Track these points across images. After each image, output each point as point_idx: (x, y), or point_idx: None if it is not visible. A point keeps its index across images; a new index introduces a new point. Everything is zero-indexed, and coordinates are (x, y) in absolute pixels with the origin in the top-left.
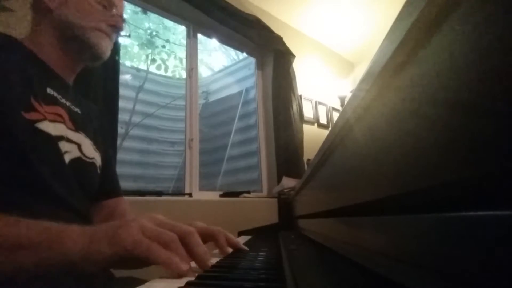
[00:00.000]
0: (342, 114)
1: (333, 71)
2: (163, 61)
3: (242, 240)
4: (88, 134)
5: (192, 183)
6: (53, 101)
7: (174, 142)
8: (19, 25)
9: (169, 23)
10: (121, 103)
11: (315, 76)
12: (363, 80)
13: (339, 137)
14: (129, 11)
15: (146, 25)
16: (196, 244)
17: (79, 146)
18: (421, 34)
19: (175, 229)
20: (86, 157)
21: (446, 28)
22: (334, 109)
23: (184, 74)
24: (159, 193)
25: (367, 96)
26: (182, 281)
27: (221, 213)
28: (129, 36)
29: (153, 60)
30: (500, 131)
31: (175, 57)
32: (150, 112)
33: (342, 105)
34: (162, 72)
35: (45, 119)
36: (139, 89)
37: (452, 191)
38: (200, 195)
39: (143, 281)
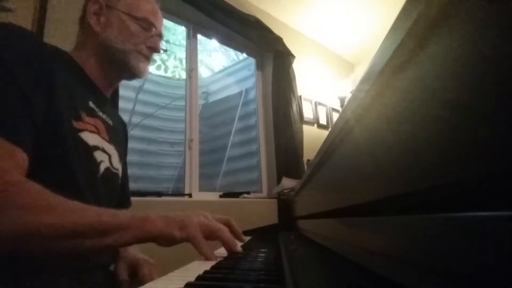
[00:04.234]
0: (341, 115)
1: (333, 72)
2: (163, 61)
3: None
4: (116, 146)
5: (192, 183)
6: (93, 114)
7: (174, 142)
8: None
9: (169, 23)
10: (121, 104)
11: (315, 76)
12: (362, 81)
13: (338, 137)
14: None
15: None
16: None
17: (109, 157)
18: (421, 34)
19: (220, 220)
20: (113, 168)
21: (446, 28)
22: (334, 109)
23: (184, 75)
24: (159, 194)
25: (366, 97)
26: (182, 282)
27: (221, 214)
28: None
29: (153, 61)
30: (500, 131)
31: (175, 58)
32: (150, 112)
33: (342, 106)
34: (162, 72)
35: (86, 129)
36: (139, 89)
37: (452, 191)
38: (200, 196)
39: (144, 282)
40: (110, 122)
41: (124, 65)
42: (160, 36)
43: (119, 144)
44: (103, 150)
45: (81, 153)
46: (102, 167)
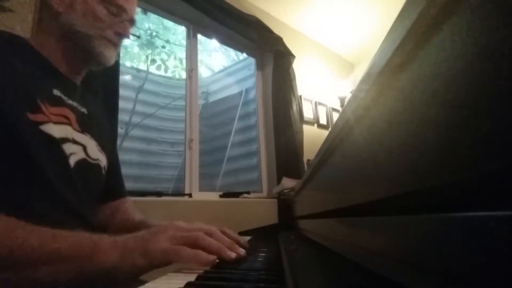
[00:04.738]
0: (342, 115)
1: (333, 72)
2: (163, 61)
3: None
4: (93, 135)
5: (192, 183)
6: (59, 103)
7: (174, 142)
8: (19, 26)
9: (169, 23)
10: (121, 104)
11: (315, 76)
12: (363, 81)
13: (339, 137)
14: None
15: (146, 25)
16: (220, 238)
17: (84, 148)
18: (421, 34)
19: (200, 231)
20: (91, 158)
21: (446, 28)
22: (334, 109)
23: (184, 75)
24: (159, 194)
25: (366, 97)
26: (182, 282)
27: (221, 214)
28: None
29: (153, 61)
30: (500, 131)
31: (175, 58)
32: (150, 112)
33: (342, 106)
34: (162, 72)
35: (49, 121)
36: (139, 89)
37: (452, 191)
38: (200, 196)
39: (143, 282)
40: (83, 110)
41: (88, 51)
42: (131, 21)
43: (99, 132)
44: (74, 141)
45: (44, 148)
46: (73, 160)
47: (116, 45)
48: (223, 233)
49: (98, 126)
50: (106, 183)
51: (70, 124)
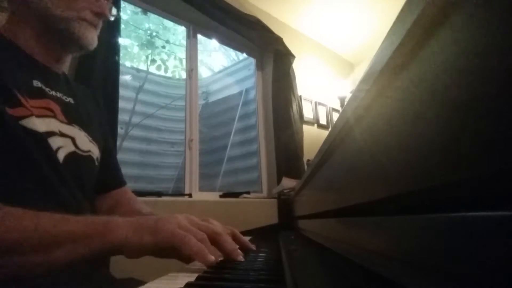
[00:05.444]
0: (341, 115)
1: (333, 72)
2: (163, 61)
3: None
4: (82, 126)
5: (192, 183)
6: (40, 95)
7: (174, 142)
8: None
9: (169, 23)
10: (121, 104)
11: (315, 76)
12: (362, 81)
13: (339, 137)
14: (129, 11)
15: (146, 25)
16: (224, 241)
17: (73, 140)
18: (421, 34)
19: (207, 229)
20: (81, 150)
21: (446, 28)
22: (334, 109)
23: (184, 75)
24: (159, 194)
25: (366, 97)
26: (182, 282)
27: (221, 214)
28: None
29: (153, 61)
30: (500, 131)
31: (175, 58)
32: (150, 112)
33: (342, 106)
34: (162, 72)
35: (31, 115)
36: (139, 89)
37: (452, 191)
38: (200, 196)
39: (143, 282)
40: (69, 100)
41: (67, 35)
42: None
43: (88, 122)
44: (62, 134)
45: (28, 143)
46: (61, 154)
47: (95, 26)
48: (231, 236)
49: (88, 116)
50: (104, 173)
51: (55, 116)
